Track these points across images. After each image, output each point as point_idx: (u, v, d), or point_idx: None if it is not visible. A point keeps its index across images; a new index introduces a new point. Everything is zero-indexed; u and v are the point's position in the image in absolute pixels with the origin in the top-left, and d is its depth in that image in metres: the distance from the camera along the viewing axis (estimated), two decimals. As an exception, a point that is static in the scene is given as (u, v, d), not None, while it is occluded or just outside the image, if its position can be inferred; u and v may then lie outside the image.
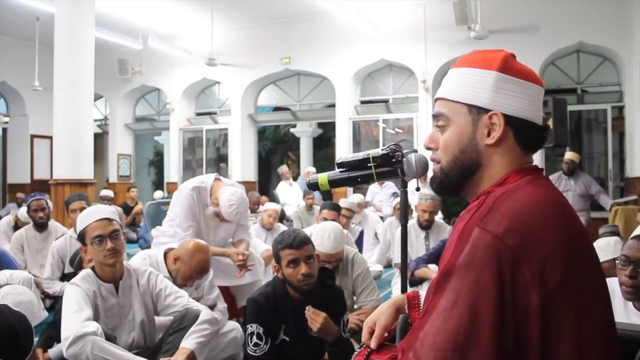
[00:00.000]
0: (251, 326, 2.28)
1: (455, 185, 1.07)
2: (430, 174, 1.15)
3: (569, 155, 6.48)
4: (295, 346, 2.34)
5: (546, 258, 0.88)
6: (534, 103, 1.02)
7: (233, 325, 2.92)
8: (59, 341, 2.67)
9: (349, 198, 6.06)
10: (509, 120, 1.00)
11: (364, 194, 7.71)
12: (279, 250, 2.28)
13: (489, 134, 1.01)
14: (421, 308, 1.26)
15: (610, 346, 0.93)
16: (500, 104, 1.00)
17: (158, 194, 9.97)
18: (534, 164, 1.05)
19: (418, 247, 4.22)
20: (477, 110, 1.01)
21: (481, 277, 0.87)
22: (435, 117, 1.08)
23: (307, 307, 2.23)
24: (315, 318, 2.20)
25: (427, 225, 4.23)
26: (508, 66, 1.01)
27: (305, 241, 2.28)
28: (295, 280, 2.25)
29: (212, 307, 2.82)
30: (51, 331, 2.96)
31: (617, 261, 1.84)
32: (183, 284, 2.71)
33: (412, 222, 4.30)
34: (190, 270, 2.69)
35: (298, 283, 2.25)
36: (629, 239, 1.85)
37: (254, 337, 2.26)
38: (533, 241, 0.89)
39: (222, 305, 2.98)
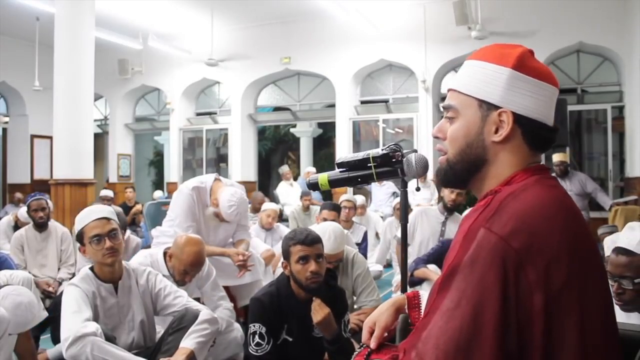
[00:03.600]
0: (254, 326, 2.28)
1: (460, 178, 1.06)
2: (429, 174, 1.15)
3: (557, 157, 6.20)
4: (297, 346, 2.34)
5: (550, 260, 0.88)
6: (546, 103, 1.00)
7: (233, 326, 2.92)
8: (57, 342, 2.66)
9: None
10: (519, 119, 0.98)
11: (363, 194, 7.70)
12: (290, 246, 2.28)
13: (496, 131, 1.00)
14: (421, 308, 1.26)
15: (611, 346, 0.93)
16: (511, 102, 0.98)
17: (158, 194, 9.97)
18: (541, 162, 1.04)
19: (433, 231, 4.03)
20: (487, 106, 1.00)
21: (485, 277, 0.87)
22: (445, 108, 1.07)
23: (314, 298, 2.24)
24: (318, 310, 2.22)
25: (452, 207, 4.00)
26: (524, 64, 0.99)
27: (317, 240, 2.31)
28: (303, 278, 2.25)
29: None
30: (34, 331, 2.96)
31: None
32: (181, 280, 2.70)
33: (435, 207, 4.19)
34: (184, 264, 2.67)
35: (306, 281, 2.25)
36: (610, 253, 1.83)
37: (256, 336, 2.26)
38: (538, 243, 0.88)
39: (229, 304, 2.99)
